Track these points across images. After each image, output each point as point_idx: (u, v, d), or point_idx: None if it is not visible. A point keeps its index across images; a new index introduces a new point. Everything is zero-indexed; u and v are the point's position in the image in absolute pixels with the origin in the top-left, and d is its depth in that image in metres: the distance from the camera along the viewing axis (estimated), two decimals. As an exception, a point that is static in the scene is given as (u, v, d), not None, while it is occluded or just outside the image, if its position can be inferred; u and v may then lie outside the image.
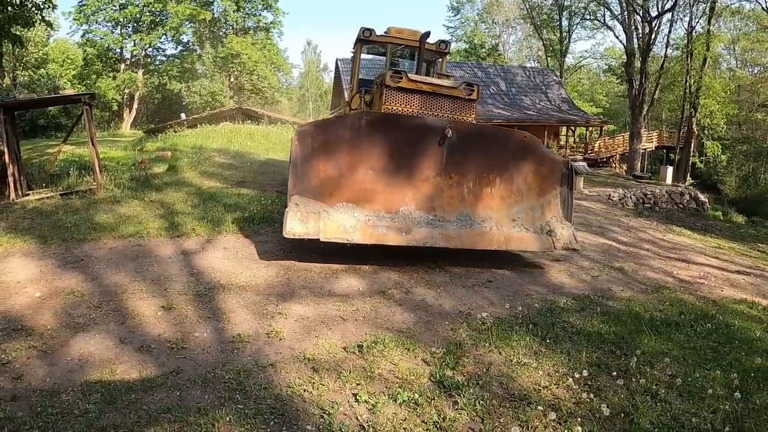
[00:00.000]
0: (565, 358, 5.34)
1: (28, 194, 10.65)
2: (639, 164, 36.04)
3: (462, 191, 7.85)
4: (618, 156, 39.15)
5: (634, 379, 4.94)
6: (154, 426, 3.83)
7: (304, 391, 4.39)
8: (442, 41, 11.08)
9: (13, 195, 10.15)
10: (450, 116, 8.39)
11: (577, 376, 4.94)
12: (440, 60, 11.45)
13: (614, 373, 5.05)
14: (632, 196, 21.75)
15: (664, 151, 46.00)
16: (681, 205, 23.37)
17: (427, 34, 9.55)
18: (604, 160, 36.67)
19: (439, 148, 7.60)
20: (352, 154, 7.40)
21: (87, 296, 6.09)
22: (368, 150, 7.43)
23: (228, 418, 3.94)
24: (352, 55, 11.50)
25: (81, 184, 11.28)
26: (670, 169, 29.40)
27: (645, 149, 40.75)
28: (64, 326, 5.38)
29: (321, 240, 6.98)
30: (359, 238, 7.13)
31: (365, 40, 10.63)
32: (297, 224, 6.96)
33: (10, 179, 10.21)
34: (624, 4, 35.25)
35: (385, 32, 10.67)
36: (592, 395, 4.64)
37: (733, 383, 5.02)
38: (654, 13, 33.92)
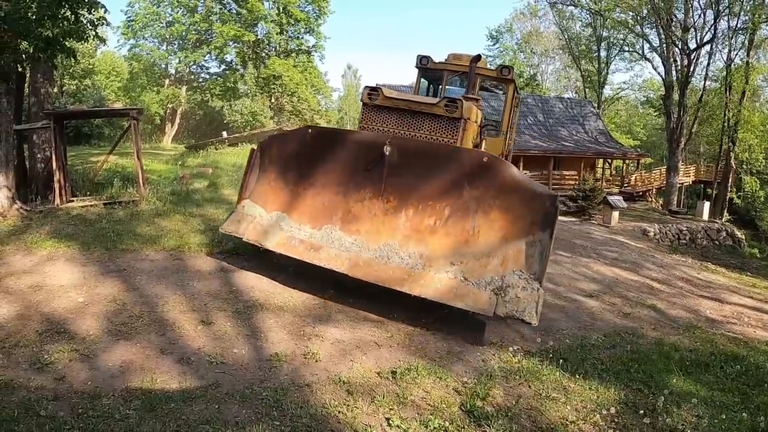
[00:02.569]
0: (594, 394, 5.38)
1: (73, 201, 10.96)
2: (676, 199, 35.54)
3: (398, 219, 6.78)
4: (654, 190, 38.64)
5: (660, 419, 4.97)
6: (192, 436, 3.96)
7: (339, 412, 4.51)
8: (504, 67, 10.16)
9: (58, 200, 10.46)
10: (429, 137, 7.62)
11: (604, 412, 4.98)
12: (503, 87, 10.42)
13: (641, 412, 5.08)
14: (668, 232, 21.50)
15: (702, 185, 45.26)
16: (717, 242, 23.02)
17: (478, 58, 9.21)
18: (641, 193, 36.20)
19: (380, 168, 6.83)
20: (297, 166, 7.46)
21: (129, 305, 6.29)
22: (311, 164, 7.37)
23: (265, 434, 4.06)
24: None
25: (124, 194, 11.59)
26: (707, 205, 28.93)
27: (682, 184, 40.19)
28: (106, 332, 5.57)
29: (243, 240, 7.40)
30: (271, 246, 7.17)
31: (423, 67, 10.35)
32: (232, 224, 7.63)
33: (56, 185, 10.53)
34: (663, 37, 35.04)
35: (446, 59, 10.34)
36: (618, 433, 4.68)
37: (759, 426, 5.02)
38: (693, 46, 33.68)
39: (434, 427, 4.42)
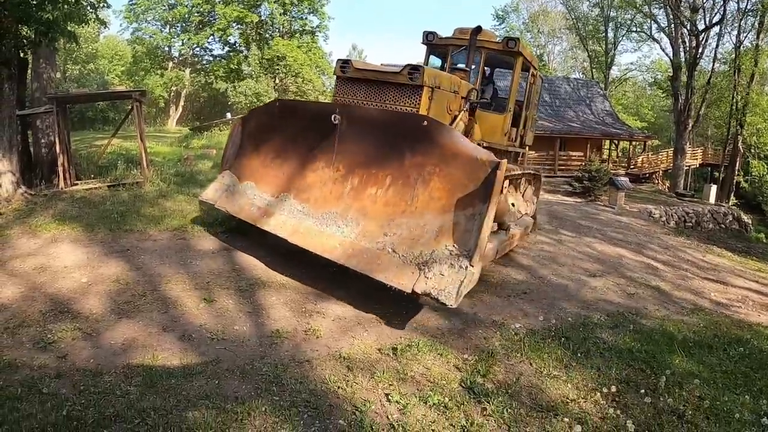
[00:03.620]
0: (595, 373, 5.38)
1: (77, 184, 10.98)
2: (682, 181, 35.29)
3: (344, 188, 6.70)
4: (661, 172, 38.28)
5: (661, 398, 4.96)
6: (192, 411, 4.01)
7: (338, 388, 4.54)
8: (510, 38, 9.42)
9: (62, 184, 10.50)
10: (393, 106, 7.39)
11: (605, 391, 4.98)
12: (512, 61, 9.67)
13: (642, 391, 5.07)
14: (674, 214, 21.33)
15: (709, 168, 44.92)
16: (723, 226, 22.87)
17: (478, 29, 9.01)
18: (647, 175, 35.87)
19: (332, 137, 6.86)
20: (268, 138, 7.82)
21: (131, 284, 6.33)
22: (279, 135, 7.66)
23: (264, 409, 4.10)
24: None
25: (128, 176, 11.60)
26: (713, 188, 28.68)
27: (689, 166, 39.87)
28: (109, 311, 5.62)
29: (216, 206, 7.96)
30: (235, 212, 7.63)
31: (429, 43, 10.25)
32: (210, 192, 8.17)
33: (60, 169, 10.57)
34: (671, 17, 34.54)
35: (452, 34, 10.05)
36: (618, 411, 4.68)
37: (762, 409, 4.99)
38: (701, 27, 33.07)
39: (434, 403, 4.44)
